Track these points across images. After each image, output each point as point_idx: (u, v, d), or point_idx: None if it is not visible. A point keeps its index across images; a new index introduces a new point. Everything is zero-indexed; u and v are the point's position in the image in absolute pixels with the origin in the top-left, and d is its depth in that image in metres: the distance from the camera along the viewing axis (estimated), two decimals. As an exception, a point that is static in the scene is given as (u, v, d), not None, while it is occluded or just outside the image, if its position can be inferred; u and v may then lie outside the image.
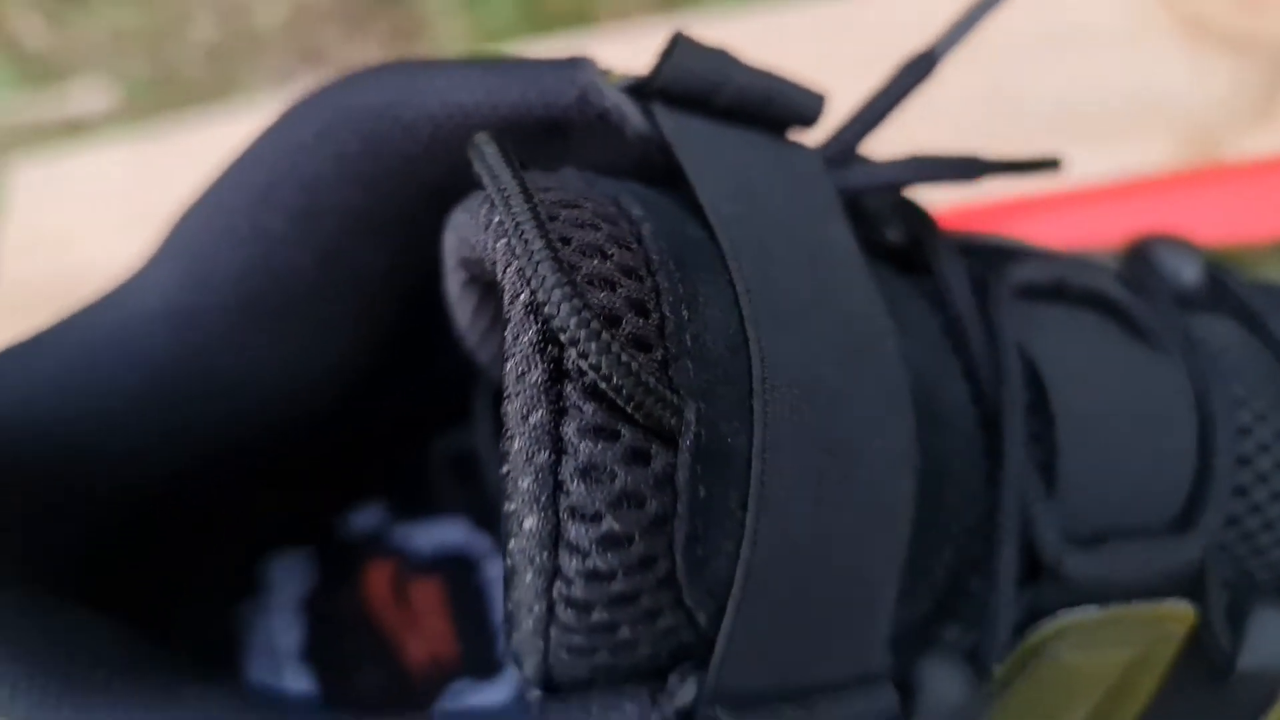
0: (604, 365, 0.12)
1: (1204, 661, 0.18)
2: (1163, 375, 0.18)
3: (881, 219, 0.18)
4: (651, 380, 0.12)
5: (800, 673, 0.14)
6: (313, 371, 0.18)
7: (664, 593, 0.13)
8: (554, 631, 0.13)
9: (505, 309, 0.13)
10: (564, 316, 0.12)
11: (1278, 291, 0.20)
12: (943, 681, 0.15)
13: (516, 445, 0.12)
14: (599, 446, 0.12)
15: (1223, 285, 0.20)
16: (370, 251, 0.17)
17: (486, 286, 0.16)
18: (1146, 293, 0.19)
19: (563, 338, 0.12)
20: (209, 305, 0.17)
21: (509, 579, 0.13)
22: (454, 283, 0.17)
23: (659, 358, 0.13)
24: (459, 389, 0.21)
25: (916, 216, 0.18)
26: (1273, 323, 0.19)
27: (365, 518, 0.23)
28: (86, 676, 0.14)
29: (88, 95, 0.47)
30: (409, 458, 0.22)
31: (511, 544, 0.13)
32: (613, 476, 0.12)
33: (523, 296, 0.13)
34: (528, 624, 0.13)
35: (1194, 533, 0.17)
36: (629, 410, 0.12)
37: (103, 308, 0.17)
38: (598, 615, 0.13)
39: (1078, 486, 0.17)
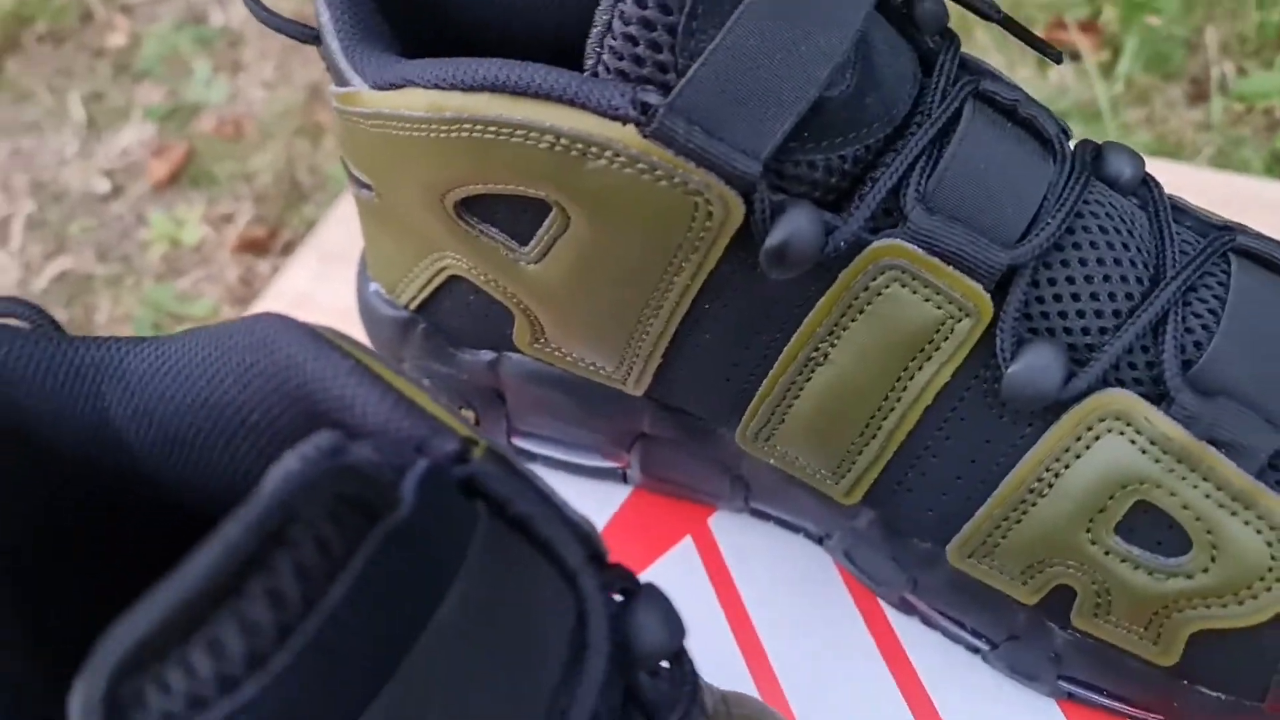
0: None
1: (987, 372, 0.27)
2: (1045, 170, 0.27)
3: (924, 23, 0.28)
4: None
5: (715, 121, 0.24)
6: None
7: (668, 36, 0.24)
8: (608, 37, 0.24)
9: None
10: None
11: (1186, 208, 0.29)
12: (804, 218, 0.25)
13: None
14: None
15: (1149, 189, 0.29)
16: None
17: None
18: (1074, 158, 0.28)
19: None
20: None
21: None
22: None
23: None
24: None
25: (948, 33, 0.28)
26: (1163, 212, 0.28)
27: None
28: None
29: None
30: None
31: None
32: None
33: None
34: (600, 26, 0.25)
35: (1012, 250, 0.26)
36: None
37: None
38: (634, 29, 0.24)
39: (948, 181, 0.26)
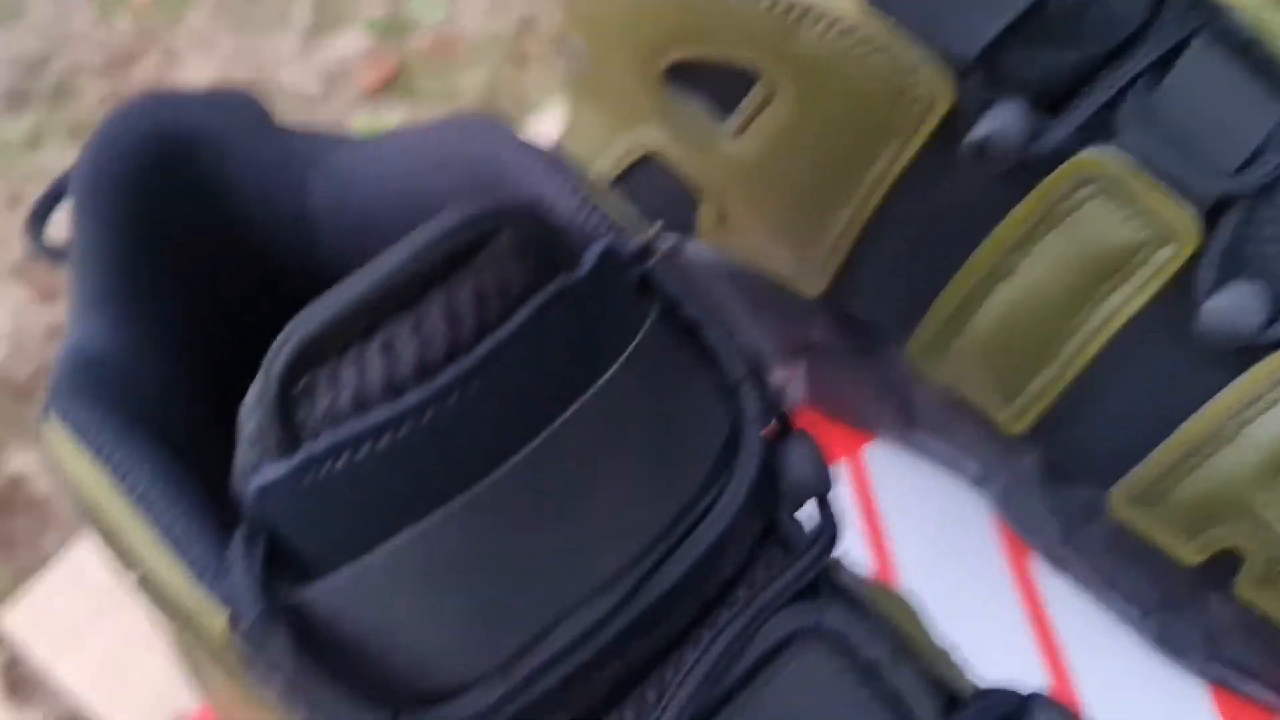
0: None
1: (1183, 306, 0.25)
2: (1273, 110, 0.25)
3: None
4: None
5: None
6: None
7: None
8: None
9: None
10: None
11: None
12: (1012, 114, 0.24)
13: None
14: None
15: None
16: None
17: None
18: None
19: None
20: None
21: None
22: None
23: None
24: None
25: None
26: None
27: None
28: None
29: None
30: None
31: None
32: None
33: None
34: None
35: (1229, 179, 0.25)
36: None
37: None
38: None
39: (1167, 104, 0.25)
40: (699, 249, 0.33)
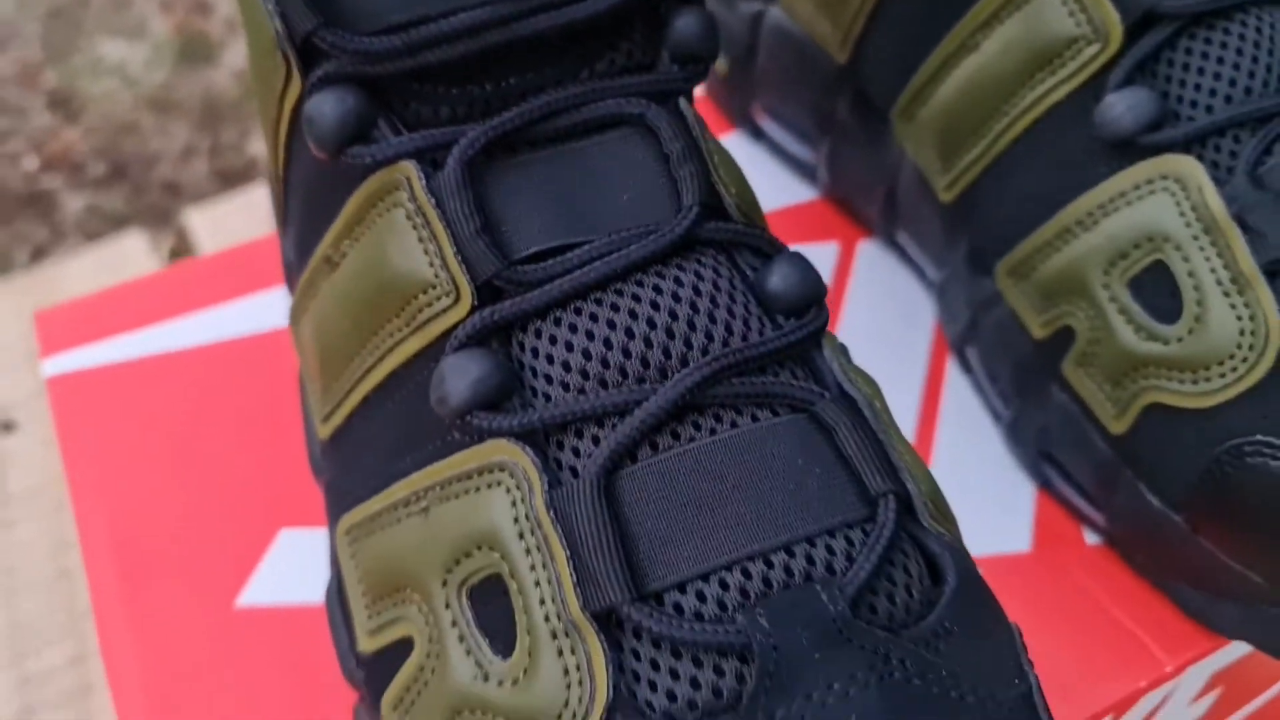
0: None
1: (1095, 104, 0.30)
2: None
3: None
4: None
5: None
6: None
7: None
8: None
9: None
10: None
11: None
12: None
13: None
14: None
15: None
16: None
17: None
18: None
19: None
20: None
21: None
22: None
23: None
24: None
25: None
26: None
27: None
28: None
29: None
30: None
31: None
32: None
33: None
34: None
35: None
36: None
37: None
38: None
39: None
40: (775, 17, 0.39)
